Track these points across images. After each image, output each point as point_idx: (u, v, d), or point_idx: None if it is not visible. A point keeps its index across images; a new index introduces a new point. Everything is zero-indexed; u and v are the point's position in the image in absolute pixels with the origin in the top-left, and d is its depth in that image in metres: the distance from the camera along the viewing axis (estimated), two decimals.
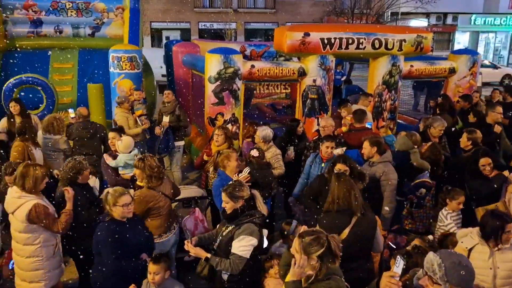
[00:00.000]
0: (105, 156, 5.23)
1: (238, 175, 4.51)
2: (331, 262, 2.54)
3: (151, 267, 3.35)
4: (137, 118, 6.93)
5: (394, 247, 3.82)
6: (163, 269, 3.37)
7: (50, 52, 10.10)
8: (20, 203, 3.59)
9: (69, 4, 10.41)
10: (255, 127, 5.94)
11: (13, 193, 3.65)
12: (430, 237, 3.84)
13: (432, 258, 2.44)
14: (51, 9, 10.30)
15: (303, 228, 2.84)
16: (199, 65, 7.96)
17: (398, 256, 2.47)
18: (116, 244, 3.39)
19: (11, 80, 8.32)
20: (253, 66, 7.29)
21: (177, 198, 4.82)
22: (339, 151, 4.99)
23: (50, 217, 3.66)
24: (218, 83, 7.07)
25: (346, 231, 3.41)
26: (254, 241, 3.31)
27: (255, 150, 4.96)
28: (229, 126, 7.08)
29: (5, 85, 8.31)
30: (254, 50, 11.33)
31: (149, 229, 3.84)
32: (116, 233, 3.42)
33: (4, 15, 9.91)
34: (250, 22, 32.23)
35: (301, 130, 6.14)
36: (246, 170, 4.61)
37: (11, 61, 9.63)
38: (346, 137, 5.79)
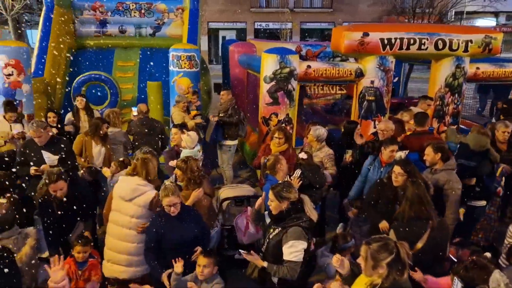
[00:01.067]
0: (170, 162, 5.28)
1: (290, 177, 4.48)
2: (399, 271, 2.44)
3: (202, 260, 3.41)
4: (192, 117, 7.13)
5: (456, 260, 3.62)
6: (212, 264, 3.43)
7: (114, 51, 10.64)
8: (142, 190, 3.82)
9: (133, 5, 10.90)
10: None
11: (136, 181, 3.86)
12: (488, 254, 3.58)
13: (498, 278, 2.28)
14: (116, 10, 10.84)
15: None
16: (254, 64, 7.99)
17: (455, 278, 2.34)
18: (157, 236, 3.50)
19: (81, 76, 8.85)
20: (309, 66, 7.21)
21: (229, 196, 4.88)
22: (402, 154, 4.79)
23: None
24: (273, 83, 7.06)
25: (424, 237, 3.33)
26: (304, 245, 3.30)
27: (303, 153, 4.90)
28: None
29: (75, 81, 8.85)
30: (310, 50, 11.21)
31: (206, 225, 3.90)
32: (160, 226, 3.53)
33: (74, 16, 10.55)
34: (306, 22, 32.00)
35: (359, 132, 5.97)
36: (298, 172, 4.56)
37: (80, 59, 10.24)
38: (405, 141, 5.55)
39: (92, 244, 3.97)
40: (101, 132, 5.80)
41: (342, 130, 6.20)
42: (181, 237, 3.54)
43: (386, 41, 7.17)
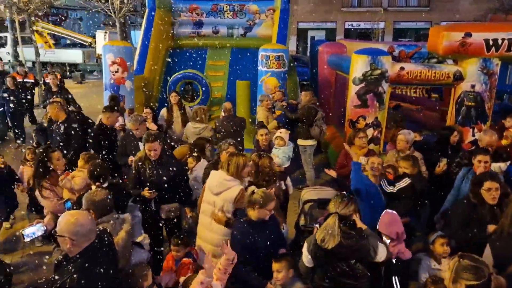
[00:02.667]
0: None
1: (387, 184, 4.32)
2: None
3: (274, 265, 3.36)
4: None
5: None
6: (286, 268, 3.34)
7: (207, 51, 11.14)
8: (228, 185, 3.90)
9: (226, 7, 11.33)
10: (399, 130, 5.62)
11: (222, 176, 3.96)
12: None
13: None
14: (211, 11, 11.34)
15: None
16: (344, 65, 7.83)
17: None
18: (247, 246, 3.41)
19: (176, 74, 9.40)
20: (402, 68, 6.87)
21: (312, 198, 4.83)
22: (502, 165, 4.36)
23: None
24: (362, 84, 6.85)
25: None
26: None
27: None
28: (371, 130, 6.81)
29: (171, 79, 9.43)
30: (404, 51, 10.71)
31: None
32: (250, 235, 3.42)
33: (173, 18, 11.24)
34: (400, 21, 30.54)
35: (456, 139, 5.55)
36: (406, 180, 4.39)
37: (175, 58, 10.89)
38: (502, 149, 5.04)
39: (185, 245, 4.07)
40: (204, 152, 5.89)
41: (437, 136, 5.81)
42: (266, 243, 3.47)
43: (491, 42, 6.58)
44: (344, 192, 3.38)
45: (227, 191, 3.90)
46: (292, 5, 11.51)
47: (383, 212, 3.72)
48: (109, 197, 3.27)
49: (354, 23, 30.90)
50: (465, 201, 4.04)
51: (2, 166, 5.70)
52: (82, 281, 2.45)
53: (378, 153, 6.02)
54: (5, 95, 9.90)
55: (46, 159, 4.54)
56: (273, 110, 7.51)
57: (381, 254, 3.20)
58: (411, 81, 7.01)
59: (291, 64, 10.44)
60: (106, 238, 2.80)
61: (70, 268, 2.49)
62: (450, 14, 28.49)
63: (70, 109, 7.32)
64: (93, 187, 3.95)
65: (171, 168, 4.50)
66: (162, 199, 4.52)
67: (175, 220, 4.73)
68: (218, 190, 3.92)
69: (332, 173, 4.95)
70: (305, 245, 3.27)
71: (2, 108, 10.58)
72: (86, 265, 2.52)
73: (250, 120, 8.22)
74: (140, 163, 4.52)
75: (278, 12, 10.83)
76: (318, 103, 7.46)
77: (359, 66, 6.85)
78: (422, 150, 5.40)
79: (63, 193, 4.50)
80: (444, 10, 29.08)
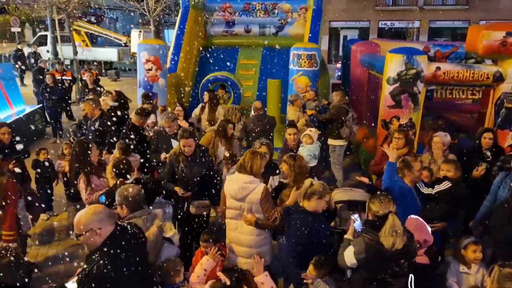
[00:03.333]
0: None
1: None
2: None
3: (312, 268, 3.36)
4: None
5: None
6: (323, 273, 3.35)
7: (238, 50, 11.19)
8: (251, 188, 3.77)
9: (259, 5, 11.33)
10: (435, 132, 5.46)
11: (242, 179, 3.80)
12: None
13: None
14: (243, 10, 11.38)
15: None
16: (377, 65, 7.67)
17: None
18: (305, 236, 3.41)
19: (208, 77, 9.44)
20: (438, 68, 6.67)
21: (343, 199, 4.75)
22: None
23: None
24: (397, 84, 6.69)
25: None
26: None
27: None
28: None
29: (203, 82, 9.49)
30: (439, 51, 10.40)
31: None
32: (310, 224, 3.42)
33: (206, 17, 11.35)
34: (436, 20, 29.68)
35: (490, 142, 5.33)
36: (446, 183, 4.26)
37: (208, 57, 10.99)
38: None
39: (214, 241, 4.04)
40: (228, 133, 5.92)
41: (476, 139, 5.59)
42: (322, 235, 3.51)
43: None
44: (378, 192, 3.29)
45: (251, 193, 3.78)
46: (325, 4, 11.38)
47: (409, 217, 3.61)
48: (141, 192, 3.33)
49: (388, 22, 30.28)
50: (505, 205, 3.89)
51: (45, 160, 5.91)
52: (109, 267, 2.52)
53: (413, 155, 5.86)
54: (45, 92, 10.29)
55: (83, 150, 4.67)
56: (304, 110, 7.47)
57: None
58: (448, 82, 6.79)
59: (324, 64, 10.35)
60: (130, 229, 2.85)
61: (97, 256, 2.57)
62: (490, 13, 27.46)
63: (111, 104, 7.55)
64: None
65: (203, 165, 4.59)
66: (193, 195, 4.60)
67: (204, 217, 4.78)
68: (242, 195, 3.81)
69: (364, 179, 4.85)
70: (352, 249, 3.11)
71: (41, 105, 11.02)
72: (111, 251, 2.59)
73: (280, 119, 8.20)
74: (174, 159, 4.63)
75: (311, 11, 10.75)
76: (349, 103, 7.36)
77: (393, 66, 6.69)
78: (458, 153, 5.22)
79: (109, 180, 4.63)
80: (484, 8, 28.05)
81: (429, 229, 3.60)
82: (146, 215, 3.33)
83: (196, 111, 7.87)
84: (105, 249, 2.60)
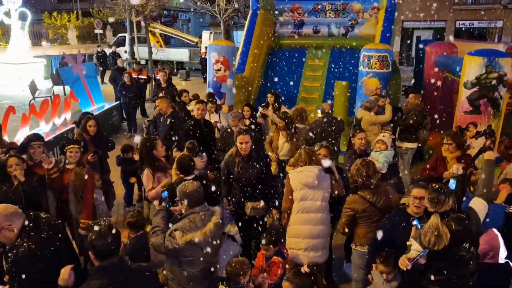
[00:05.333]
0: None
1: None
2: None
3: (382, 268, 3.45)
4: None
5: None
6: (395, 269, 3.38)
7: (306, 51, 11.12)
8: (325, 176, 4.21)
9: (328, 6, 11.17)
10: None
11: (316, 168, 4.18)
12: None
13: None
14: (313, 11, 11.28)
15: None
16: (454, 67, 7.25)
17: None
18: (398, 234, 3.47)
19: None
20: None
21: None
22: None
23: None
24: (475, 89, 6.28)
25: None
26: None
27: None
28: (482, 139, 6.21)
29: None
30: None
31: None
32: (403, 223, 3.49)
33: (275, 18, 11.41)
34: None
35: None
36: None
37: (275, 57, 11.05)
38: None
39: (274, 243, 4.09)
40: (288, 127, 6.11)
41: None
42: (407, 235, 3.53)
43: None
44: (437, 186, 3.11)
45: (325, 181, 4.17)
46: (398, 4, 10.93)
47: (490, 228, 3.41)
48: (200, 189, 3.43)
49: (466, 22, 28.42)
50: None
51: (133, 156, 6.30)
52: (28, 251, 2.92)
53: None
54: (122, 90, 10.96)
55: (147, 146, 4.90)
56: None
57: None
58: None
59: (394, 66, 9.95)
60: (42, 217, 3.20)
61: (18, 244, 2.97)
62: None
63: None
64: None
65: (259, 166, 4.61)
66: (249, 196, 4.63)
67: (260, 219, 4.79)
68: (318, 181, 4.11)
69: None
70: (415, 243, 3.09)
71: (119, 102, 11.76)
72: (26, 239, 2.98)
73: (346, 122, 8.01)
74: (230, 161, 4.69)
75: (383, 11, 10.39)
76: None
77: (472, 69, 6.29)
78: None
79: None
80: None
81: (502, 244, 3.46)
82: (205, 211, 3.42)
83: (261, 110, 7.97)
84: (21, 240, 2.95)
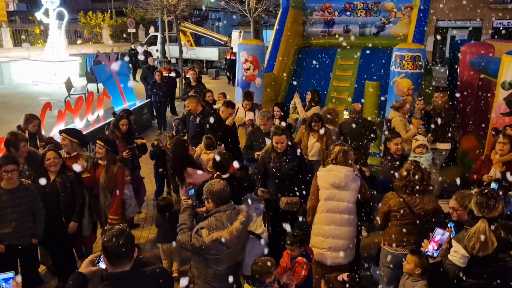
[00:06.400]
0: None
1: None
2: None
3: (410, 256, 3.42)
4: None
5: None
6: (416, 264, 3.34)
7: (336, 50, 10.99)
8: (353, 176, 4.15)
9: (360, 5, 11.01)
10: None
11: (345, 168, 4.12)
12: None
13: None
14: (343, 10, 11.15)
15: None
16: (491, 68, 7.01)
17: None
18: None
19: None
20: None
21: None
22: None
23: None
24: None
25: None
26: None
27: None
28: None
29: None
30: None
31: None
32: None
33: (305, 17, 11.35)
34: None
35: None
36: None
37: (304, 57, 10.98)
38: None
39: (300, 243, 4.07)
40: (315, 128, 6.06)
41: None
42: None
43: None
44: (487, 191, 2.96)
45: (353, 182, 4.11)
46: (432, 2, 10.64)
47: None
48: (226, 188, 3.45)
49: (504, 21, 27.38)
50: None
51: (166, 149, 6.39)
52: None
53: None
54: (153, 88, 11.16)
55: (181, 146, 4.99)
56: (409, 117, 7.05)
57: None
58: None
59: (428, 66, 9.72)
60: None
61: None
62: None
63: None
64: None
65: (294, 162, 4.69)
66: (284, 190, 4.70)
67: (293, 215, 4.81)
68: (346, 182, 4.07)
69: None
70: (457, 245, 2.96)
71: (149, 99, 11.99)
72: None
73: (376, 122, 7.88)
74: (265, 156, 4.78)
75: (417, 9, 10.14)
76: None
77: (510, 69, 6.05)
78: None
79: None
80: None
81: None
82: (231, 210, 3.44)
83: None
84: None
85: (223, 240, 3.20)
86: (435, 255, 2.94)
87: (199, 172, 4.86)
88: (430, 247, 2.95)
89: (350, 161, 4.17)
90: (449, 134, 6.73)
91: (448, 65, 10.81)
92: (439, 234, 2.94)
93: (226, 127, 6.16)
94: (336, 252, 4.06)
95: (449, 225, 3.29)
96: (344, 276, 3.09)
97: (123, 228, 2.54)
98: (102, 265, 2.56)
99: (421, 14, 9.91)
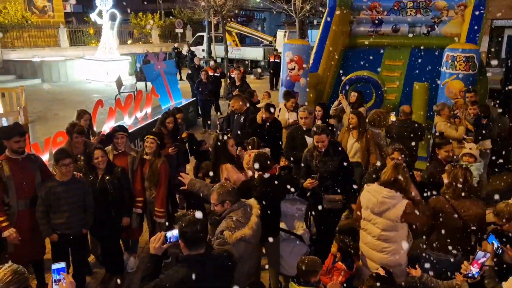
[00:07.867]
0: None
1: None
2: None
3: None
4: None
5: None
6: None
7: (383, 50, 10.71)
8: (391, 204, 3.63)
9: (410, 3, 10.65)
10: None
11: (383, 192, 3.68)
12: None
13: None
14: (392, 9, 10.83)
15: None
16: None
17: None
18: None
19: (351, 75, 9.19)
20: None
21: None
22: None
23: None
24: None
25: None
26: None
27: None
28: None
29: (344, 81, 9.32)
30: None
31: None
32: None
33: (352, 16, 11.13)
34: None
35: None
36: None
37: (350, 56, 10.79)
38: None
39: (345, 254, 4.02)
40: (360, 126, 5.94)
41: None
42: None
43: None
44: None
45: (391, 209, 3.63)
46: (488, 0, 10.10)
47: None
48: (235, 186, 3.57)
49: None
50: None
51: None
52: None
53: None
54: (199, 87, 11.38)
55: (223, 144, 5.02)
56: (454, 119, 6.75)
57: None
58: None
59: (482, 69, 9.24)
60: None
61: None
62: None
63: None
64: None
65: (336, 159, 4.66)
66: (327, 189, 4.68)
67: (337, 213, 4.79)
68: (380, 210, 3.68)
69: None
70: None
71: (195, 98, 12.24)
72: None
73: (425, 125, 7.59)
74: (308, 155, 4.81)
75: (471, 8, 9.68)
76: None
77: None
78: None
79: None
80: None
81: None
82: (242, 207, 3.49)
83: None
84: None
85: (247, 238, 3.22)
86: (476, 276, 2.89)
87: (236, 171, 4.83)
88: (472, 269, 2.89)
89: (401, 180, 3.64)
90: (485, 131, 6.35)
91: (505, 65, 10.20)
92: (481, 256, 2.89)
93: (272, 126, 6.16)
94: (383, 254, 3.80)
95: (492, 242, 3.11)
96: (381, 271, 3.13)
97: (197, 215, 2.73)
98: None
99: (476, 13, 9.44)
